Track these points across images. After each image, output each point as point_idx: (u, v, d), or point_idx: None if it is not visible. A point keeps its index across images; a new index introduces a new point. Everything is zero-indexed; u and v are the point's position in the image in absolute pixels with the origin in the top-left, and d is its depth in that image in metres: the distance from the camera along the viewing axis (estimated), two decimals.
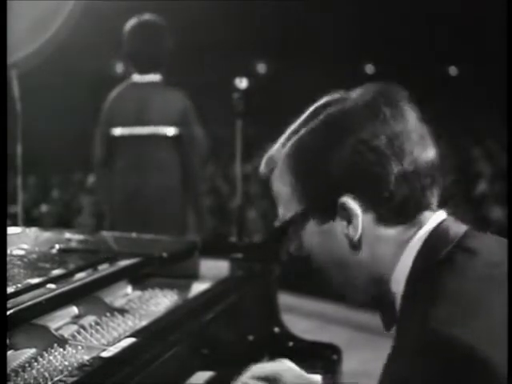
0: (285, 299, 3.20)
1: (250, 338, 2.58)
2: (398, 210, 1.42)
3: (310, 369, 2.50)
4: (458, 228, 1.44)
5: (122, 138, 4.46)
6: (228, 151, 6.09)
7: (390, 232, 1.43)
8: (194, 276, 2.73)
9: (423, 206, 1.44)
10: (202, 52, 10.76)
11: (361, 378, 4.40)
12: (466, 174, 8.71)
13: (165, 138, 4.42)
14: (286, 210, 1.51)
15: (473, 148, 10.33)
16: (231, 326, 2.45)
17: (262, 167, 1.55)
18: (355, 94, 1.48)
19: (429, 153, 1.44)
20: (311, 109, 1.51)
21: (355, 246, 1.45)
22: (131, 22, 4.53)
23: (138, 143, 4.45)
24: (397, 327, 1.42)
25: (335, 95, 1.51)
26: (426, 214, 1.44)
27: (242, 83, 4.19)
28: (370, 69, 14.14)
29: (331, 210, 1.44)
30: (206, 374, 2.21)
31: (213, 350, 2.27)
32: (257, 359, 2.55)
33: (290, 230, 1.52)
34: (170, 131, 4.41)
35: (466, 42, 11.38)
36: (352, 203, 1.41)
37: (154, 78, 4.49)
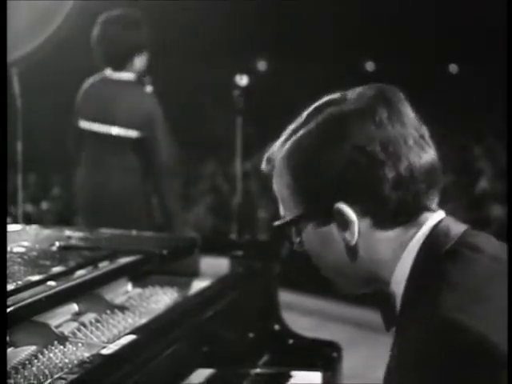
0: (285, 297, 3.20)
1: (251, 335, 2.58)
2: (394, 214, 1.41)
3: (310, 366, 2.51)
4: (458, 226, 1.44)
5: (86, 132, 4.34)
6: (228, 150, 6.07)
7: (389, 234, 1.43)
8: (195, 273, 2.73)
9: (421, 208, 1.43)
10: (202, 51, 10.75)
11: (361, 376, 4.40)
12: (466, 173, 8.71)
13: (126, 139, 4.26)
14: (286, 210, 1.51)
15: (473, 146, 10.33)
16: (231, 323, 2.46)
17: (263, 165, 1.55)
18: (354, 94, 1.47)
19: (426, 156, 1.43)
20: (311, 108, 1.50)
21: (352, 250, 1.45)
22: (102, 16, 4.37)
23: (100, 141, 4.32)
24: (399, 324, 1.41)
25: (334, 95, 1.50)
26: (426, 214, 1.44)
27: (243, 80, 4.19)
28: (370, 66, 14.14)
29: (327, 215, 1.44)
30: (207, 372, 2.22)
31: (213, 348, 2.28)
32: (257, 357, 2.55)
33: (290, 230, 1.53)
34: (132, 133, 4.25)
35: (466, 40, 11.39)
36: (347, 209, 1.41)
37: (126, 76, 4.33)
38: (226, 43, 10.42)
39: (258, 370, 2.46)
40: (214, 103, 8.74)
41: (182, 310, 2.28)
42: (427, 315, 1.29)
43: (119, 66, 4.31)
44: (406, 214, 1.42)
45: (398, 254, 1.43)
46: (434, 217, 1.44)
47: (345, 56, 11.78)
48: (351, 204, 1.41)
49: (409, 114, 1.44)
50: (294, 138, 1.48)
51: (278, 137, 1.55)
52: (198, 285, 2.59)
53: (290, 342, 2.69)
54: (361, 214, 1.41)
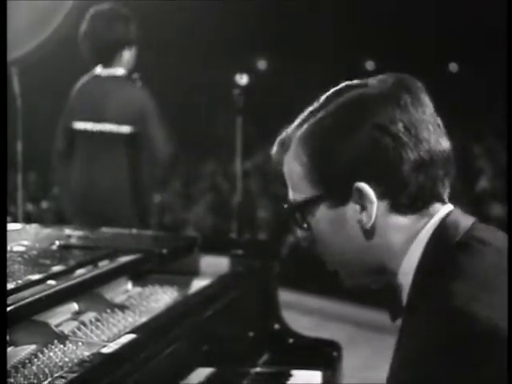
0: (285, 296, 3.20)
1: (251, 334, 2.58)
2: (413, 198, 1.41)
3: (311, 365, 2.51)
4: (466, 219, 1.45)
5: (79, 132, 4.30)
6: (228, 149, 6.07)
7: (403, 221, 1.43)
8: (194, 272, 2.73)
9: (436, 197, 1.44)
10: (202, 50, 10.75)
11: (361, 375, 4.40)
12: (466, 172, 8.72)
13: (118, 136, 4.22)
14: (296, 193, 1.49)
15: (473, 145, 10.33)
16: (231, 322, 2.46)
17: (275, 149, 1.53)
18: (375, 80, 1.48)
19: (444, 144, 1.44)
20: (330, 92, 1.50)
21: (367, 232, 1.43)
22: (89, 11, 4.34)
23: (92, 139, 4.28)
24: (407, 314, 1.41)
25: (354, 81, 1.50)
26: (437, 205, 1.44)
27: (243, 79, 4.19)
28: (370, 65, 14.14)
29: (345, 195, 1.42)
30: (207, 371, 2.22)
31: (213, 347, 2.27)
32: (257, 356, 2.55)
33: (298, 214, 1.50)
34: (125, 129, 4.21)
35: (466, 39, 11.40)
36: (368, 189, 1.40)
37: (116, 71, 4.29)
38: (226, 42, 10.42)
39: (258, 369, 2.46)
40: (214, 102, 8.74)
41: (182, 309, 2.28)
42: (439, 304, 1.30)
43: (107, 60, 4.27)
44: (422, 200, 1.42)
45: (408, 243, 1.43)
46: (444, 208, 1.45)
47: (345, 55, 11.78)
48: (371, 185, 1.40)
49: (428, 102, 1.46)
50: (312, 120, 1.47)
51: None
52: (198, 284, 2.59)
53: (290, 341, 2.69)
54: (380, 195, 1.41)
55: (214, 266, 2.72)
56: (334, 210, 1.45)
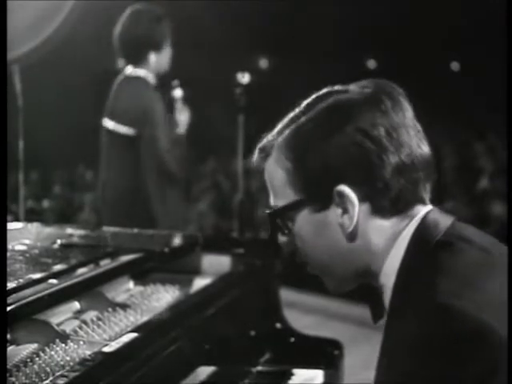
0: (287, 295, 3.20)
1: (252, 333, 2.58)
2: (394, 201, 1.43)
3: (312, 364, 2.51)
4: (446, 218, 1.46)
5: (102, 131, 4.32)
6: (228, 148, 6.07)
7: (384, 223, 1.44)
8: (196, 271, 2.73)
9: (417, 199, 1.46)
10: (202, 49, 10.75)
11: (362, 374, 4.40)
12: (467, 171, 8.71)
13: (123, 136, 4.19)
14: (278, 198, 1.51)
15: (474, 144, 10.33)
16: (233, 321, 2.46)
17: (256, 156, 1.55)
18: (356, 86, 1.50)
19: (424, 148, 1.46)
20: (311, 98, 1.52)
21: (348, 235, 1.45)
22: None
23: (107, 139, 4.29)
24: (391, 314, 1.42)
25: (335, 87, 1.52)
26: (418, 207, 1.46)
27: (244, 78, 4.18)
28: (371, 64, 14.14)
29: (327, 199, 1.44)
30: (208, 370, 2.22)
31: (215, 346, 2.27)
32: (258, 355, 2.55)
33: (280, 220, 1.51)
34: (126, 130, 4.18)
35: (467, 39, 11.40)
36: (350, 192, 1.41)
37: (137, 72, 4.25)
38: (228, 41, 10.42)
39: (259, 368, 2.46)
40: (215, 101, 8.74)
41: (184, 308, 2.28)
42: (422, 302, 1.31)
43: (133, 60, 4.25)
44: (404, 203, 1.44)
45: (389, 245, 1.44)
46: (424, 209, 1.46)
47: (347, 54, 11.77)
48: (352, 188, 1.42)
49: (408, 108, 1.48)
50: (293, 125, 1.49)
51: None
52: (200, 283, 2.59)
53: (292, 340, 2.69)
54: (361, 198, 1.42)
55: (215, 264, 2.72)
56: (316, 215, 1.46)
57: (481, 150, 10.01)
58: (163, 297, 2.44)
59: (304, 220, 1.48)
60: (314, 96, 1.51)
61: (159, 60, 4.28)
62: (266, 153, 1.52)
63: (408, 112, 1.47)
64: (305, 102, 1.51)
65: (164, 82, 4.33)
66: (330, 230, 1.46)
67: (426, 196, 1.48)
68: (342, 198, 1.42)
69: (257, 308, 2.64)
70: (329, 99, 1.48)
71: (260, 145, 1.54)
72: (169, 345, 2.02)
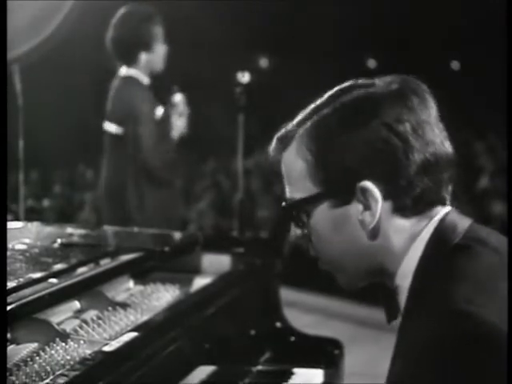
0: (287, 294, 3.20)
1: (252, 332, 2.58)
2: (416, 201, 1.40)
3: (312, 364, 2.51)
4: (463, 220, 1.44)
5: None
6: (228, 147, 6.07)
7: (404, 223, 1.41)
8: (196, 271, 2.73)
9: (439, 200, 1.43)
10: (202, 48, 10.74)
11: (363, 373, 4.40)
12: (467, 170, 8.71)
13: (113, 136, 4.21)
14: (296, 191, 1.47)
15: (474, 143, 10.33)
16: (233, 320, 2.46)
17: (273, 146, 1.51)
18: (381, 81, 1.47)
19: (447, 147, 1.44)
20: (335, 90, 1.48)
21: (369, 233, 1.42)
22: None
23: (105, 139, 4.31)
24: (406, 317, 1.39)
25: (360, 80, 1.49)
26: (438, 208, 1.43)
27: (244, 77, 4.19)
28: (371, 64, 14.14)
29: (348, 194, 1.40)
30: (208, 369, 2.22)
31: (215, 345, 2.27)
32: (258, 354, 2.55)
33: (297, 212, 1.48)
34: (117, 130, 4.18)
35: (467, 39, 11.39)
36: (374, 188, 1.38)
37: (128, 72, 4.25)
38: (228, 40, 10.41)
39: (259, 368, 2.46)
40: (216, 100, 8.74)
41: (184, 308, 2.28)
42: (438, 308, 1.29)
43: (125, 61, 4.26)
44: (426, 203, 1.41)
45: (408, 245, 1.41)
46: (442, 210, 1.43)
47: (346, 54, 11.77)
48: (375, 184, 1.38)
49: (433, 105, 1.45)
50: (316, 117, 1.45)
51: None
52: (200, 282, 2.59)
53: (292, 339, 2.69)
54: (384, 195, 1.39)
55: (215, 264, 2.72)
56: (335, 209, 1.43)
57: (481, 149, 10.02)
58: (163, 296, 2.44)
59: (322, 214, 1.44)
60: (337, 88, 1.48)
61: (151, 60, 4.27)
62: (284, 143, 1.48)
63: (433, 110, 1.44)
64: (327, 94, 1.48)
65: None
66: (349, 226, 1.43)
67: (447, 197, 1.45)
68: (365, 195, 1.39)
69: (257, 307, 2.64)
70: (353, 92, 1.44)
71: (279, 134, 1.50)
72: (169, 344, 2.02)
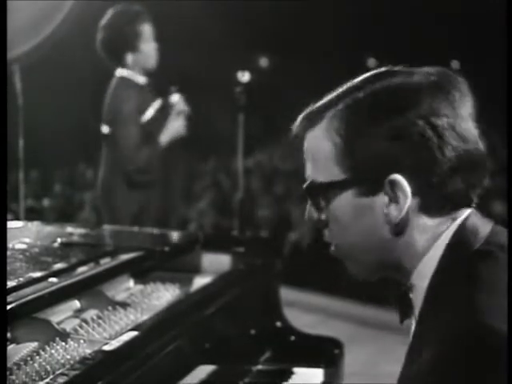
0: (287, 293, 3.20)
1: (252, 332, 2.58)
2: (445, 201, 1.35)
3: (312, 363, 2.51)
4: (485, 224, 1.40)
5: None
6: (229, 146, 6.08)
7: (428, 222, 1.37)
8: (196, 270, 2.73)
9: (466, 202, 1.38)
10: (202, 48, 10.74)
11: (363, 373, 4.40)
12: None
13: (103, 135, 4.24)
14: (320, 173, 1.41)
15: None
16: (233, 320, 2.46)
17: (298, 123, 1.44)
18: (421, 70, 1.40)
19: (482, 147, 1.38)
20: (369, 74, 1.42)
21: (393, 228, 1.37)
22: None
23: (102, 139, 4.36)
24: (421, 321, 1.36)
25: (398, 67, 1.42)
26: (463, 209, 1.39)
27: (244, 77, 4.19)
28: (371, 63, 14.15)
29: (376, 184, 1.35)
30: (208, 368, 2.22)
31: (215, 344, 2.27)
32: (259, 353, 2.55)
33: (318, 195, 1.42)
34: (105, 129, 4.21)
35: (467, 38, 11.40)
36: (404, 182, 1.32)
37: (121, 72, 4.25)
38: (228, 40, 10.41)
39: (259, 367, 2.46)
40: (216, 100, 8.74)
41: (184, 307, 2.28)
42: (462, 315, 1.25)
43: (113, 62, 4.26)
44: (453, 203, 1.36)
45: (429, 245, 1.37)
46: (465, 212, 1.39)
47: (346, 54, 11.77)
48: (406, 178, 1.33)
49: (471, 101, 1.40)
50: (349, 99, 1.38)
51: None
52: (200, 281, 2.59)
53: (292, 338, 2.69)
54: (413, 191, 1.34)
55: (215, 263, 2.73)
56: (360, 199, 1.37)
57: None
58: (163, 295, 2.44)
59: (345, 201, 1.38)
60: (372, 72, 1.42)
61: (138, 59, 4.23)
62: (311, 122, 1.41)
63: (471, 106, 1.38)
64: (361, 77, 1.42)
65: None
66: (371, 217, 1.37)
67: (474, 199, 1.40)
68: (394, 188, 1.33)
69: (257, 307, 2.64)
70: (390, 79, 1.38)
71: (306, 112, 1.44)
72: (169, 343, 2.02)
